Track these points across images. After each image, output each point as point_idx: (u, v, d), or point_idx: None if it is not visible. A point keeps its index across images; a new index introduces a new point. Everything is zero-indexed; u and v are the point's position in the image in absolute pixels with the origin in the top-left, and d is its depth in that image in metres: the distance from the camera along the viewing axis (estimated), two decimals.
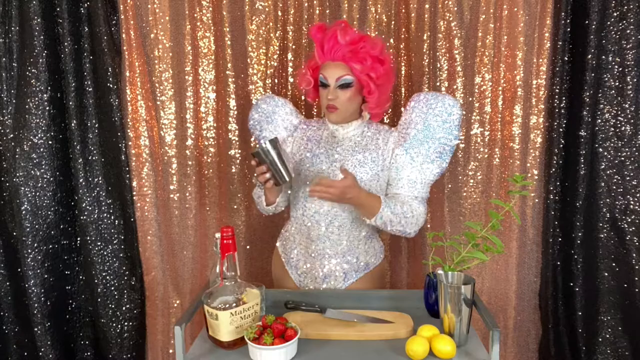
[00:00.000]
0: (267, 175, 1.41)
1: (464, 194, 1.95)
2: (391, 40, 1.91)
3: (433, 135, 1.51)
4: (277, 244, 1.73)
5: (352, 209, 1.53)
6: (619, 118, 1.79)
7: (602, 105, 1.80)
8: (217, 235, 1.25)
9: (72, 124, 1.85)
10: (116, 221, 1.95)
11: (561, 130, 1.85)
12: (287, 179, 1.40)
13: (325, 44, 1.52)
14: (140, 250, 1.97)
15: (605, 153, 1.82)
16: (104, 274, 1.94)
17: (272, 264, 1.77)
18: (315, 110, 1.98)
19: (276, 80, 1.96)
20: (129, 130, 1.90)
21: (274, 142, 1.38)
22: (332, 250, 1.56)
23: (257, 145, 1.46)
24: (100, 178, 1.91)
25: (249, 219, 2.03)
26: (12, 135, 1.82)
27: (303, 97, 1.94)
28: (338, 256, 1.57)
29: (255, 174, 1.46)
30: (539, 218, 1.92)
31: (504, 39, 1.84)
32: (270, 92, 1.95)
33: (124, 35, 1.84)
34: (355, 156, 1.55)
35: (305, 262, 1.60)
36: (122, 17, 1.83)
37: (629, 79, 1.76)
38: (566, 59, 1.82)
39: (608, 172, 1.82)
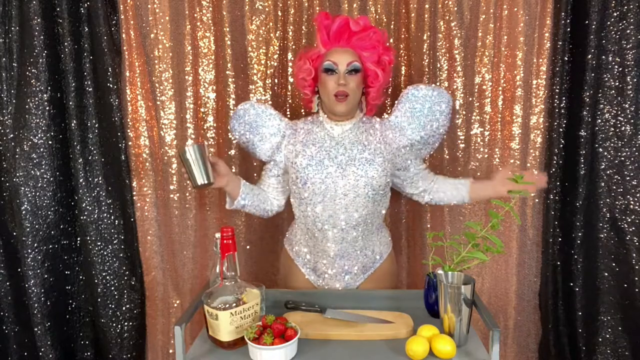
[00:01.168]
0: (186, 175, 1.46)
1: None
2: (391, 40, 1.91)
3: (433, 128, 1.60)
4: (286, 247, 1.71)
5: (366, 204, 1.53)
6: (619, 118, 1.79)
7: (602, 105, 1.80)
8: (217, 235, 1.25)
9: (72, 124, 1.85)
10: (116, 221, 1.95)
11: (561, 130, 1.85)
12: (199, 182, 1.44)
13: (333, 29, 1.51)
14: (140, 250, 1.97)
15: (605, 153, 1.82)
16: (104, 274, 1.94)
17: (280, 265, 1.76)
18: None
19: (276, 80, 1.96)
20: (129, 130, 1.90)
21: (193, 148, 1.42)
22: (350, 249, 1.57)
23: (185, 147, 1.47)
24: (100, 178, 1.91)
25: (249, 219, 2.03)
26: (12, 135, 1.82)
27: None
28: (356, 253, 1.58)
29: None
30: (539, 218, 1.92)
31: (504, 39, 1.84)
32: (265, 95, 1.95)
33: (124, 35, 1.84)
34: (361, 155, 1.53)
35: (325, 265, 1.59)
36: (122, 17, 1.83)
37: (629, 79, 1.76)
38: (566, 59, 1.82)
39: (608, 172, 1.82)
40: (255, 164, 1.99)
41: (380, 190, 1.55)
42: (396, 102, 1.64)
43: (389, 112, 1.97)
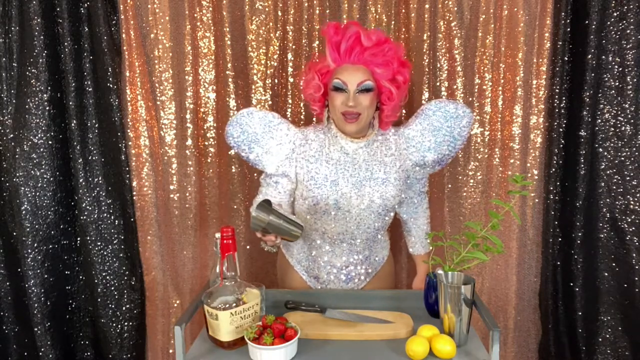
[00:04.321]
0: (278, 240, 1.38)
1: (464, 194, 1.96)
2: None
3: (450, 147, 1.54)
4: (284, 251, 1.69)
5: (378, 220, 1.52)
6: (619, 118, 1.79)
7: (602, 105, 1.80)
8: (217, 235, 1.25)
9: (72, 124, 1.85)
10: (116, 221, 1.95)
11: (561, 130, 1.85)
12: (300, 231, 1.36)
13: (343, 45, 1.40)
14: (140, 250, 1.96)
15: (605, 153, 1.82)
16: (104, 274, 1.94)
17: (277, 268, 1.75)
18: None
19: (276, 80, 1.96)
20: (129, 130, 1.90)
21: (267, 208, 1.32)
22: (357, 257, 1.57)
23: (253, 219, 1.33)
24: (100, 178, 1.91)
25: (249, 219, 2.03)
26: (12, 135, 1.82)
27: (303, 97, 1.93)
28: (363, 260, 1.58)
29: (263, 242, 1.41)
30: (539, 218, 1.92)
31: (504, 39, 1.84)
32: (265, 95, 1.95)
33: (124, 35, 1.84)
34: (377, 175, 1.46)
35: (328, 273, 1.58)
36: (122, 17, 1.83)
37: (629, 79, 1.76)
38: (566, 59, 1.82)
39: (608, 172, 1.82)
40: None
41: (392, 206, 1.53)
42: (414, 115, 1.56)
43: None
